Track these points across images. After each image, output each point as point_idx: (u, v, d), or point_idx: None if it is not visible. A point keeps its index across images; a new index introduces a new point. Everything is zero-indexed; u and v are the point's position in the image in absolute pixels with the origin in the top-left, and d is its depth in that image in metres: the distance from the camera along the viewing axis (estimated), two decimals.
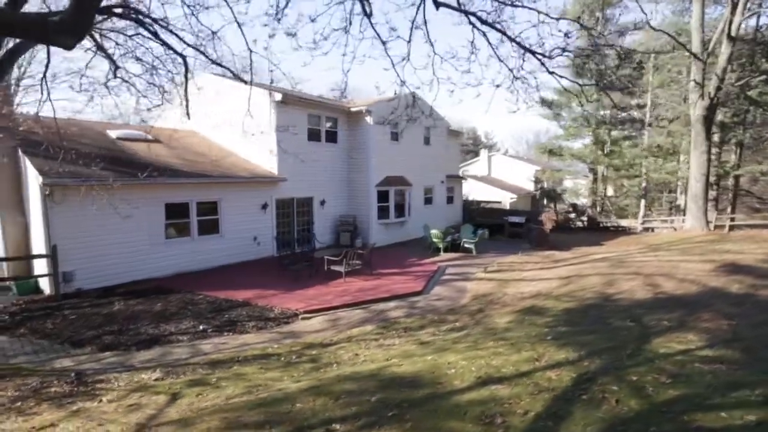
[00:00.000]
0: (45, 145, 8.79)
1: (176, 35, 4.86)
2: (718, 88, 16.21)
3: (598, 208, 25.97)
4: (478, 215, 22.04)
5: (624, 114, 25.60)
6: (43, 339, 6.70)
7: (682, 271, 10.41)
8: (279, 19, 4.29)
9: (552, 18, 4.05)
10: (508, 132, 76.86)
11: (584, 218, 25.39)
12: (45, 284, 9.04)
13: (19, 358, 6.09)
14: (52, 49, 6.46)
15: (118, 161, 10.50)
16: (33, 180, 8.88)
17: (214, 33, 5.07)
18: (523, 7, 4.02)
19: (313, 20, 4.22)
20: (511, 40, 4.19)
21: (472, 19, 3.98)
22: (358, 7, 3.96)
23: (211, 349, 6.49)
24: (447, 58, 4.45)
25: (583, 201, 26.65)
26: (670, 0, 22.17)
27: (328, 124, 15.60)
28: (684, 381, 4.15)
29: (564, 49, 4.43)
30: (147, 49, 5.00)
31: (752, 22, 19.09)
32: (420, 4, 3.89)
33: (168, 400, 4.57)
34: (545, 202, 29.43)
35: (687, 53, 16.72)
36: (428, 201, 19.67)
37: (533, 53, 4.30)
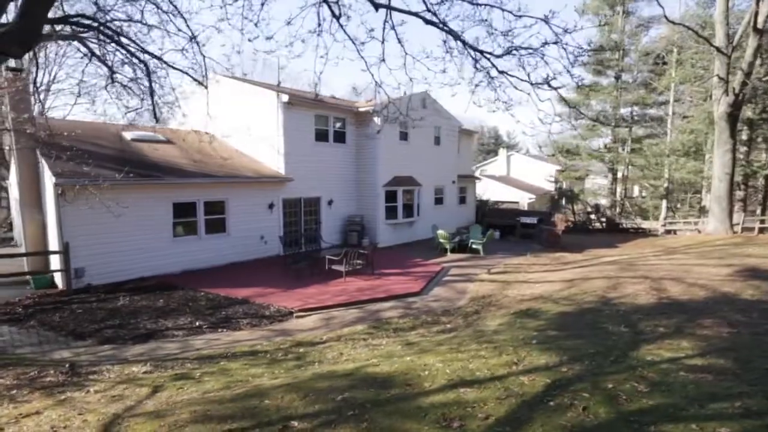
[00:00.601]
0: (60, 146, 9.28)
1: (135, 43, 5.02)
2: (744, 84, 15.40)
3: (618, 209, 25.11)
4: (491, 216, 21.72)
5: (648, 111, 24.68)
6: (49, 331, 7.05)
7: (694, 275, 9.97)
8: (256, 24, 4.38)
9: (514, 13, 3.93)
10: (534, 130, 75.55)
11: (603, 219, 24.62)
12: (59, 279, 9.51)
13: (24, 348, 6.43)
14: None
15: (130, 162, 10.91)
16: (48, 180, 9.36)
17: (193, 37, 5.22)
18: (473, 3, 3.92)
19: (288, 23, 4.28)
20: (456, 38, 4.11)
21: (422, 19, 3.95)
22: (328, 11, 3.98)
23: (203, 345, 6.67)
24: (420, 58, 4.43)
25: (603, 202, 25.85)
26: None
27: (338, 125, 15.73)
28: (663, 390, 4.00)
29: (516, 48, 4.30)
30: (125, 54, 5.21)
31: None
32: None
33: (149, 393, 4.73)
34: (563, 202, 28.72)
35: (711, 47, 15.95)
36: (439, 201, 19.54)
37: (482, 52, 4.21)
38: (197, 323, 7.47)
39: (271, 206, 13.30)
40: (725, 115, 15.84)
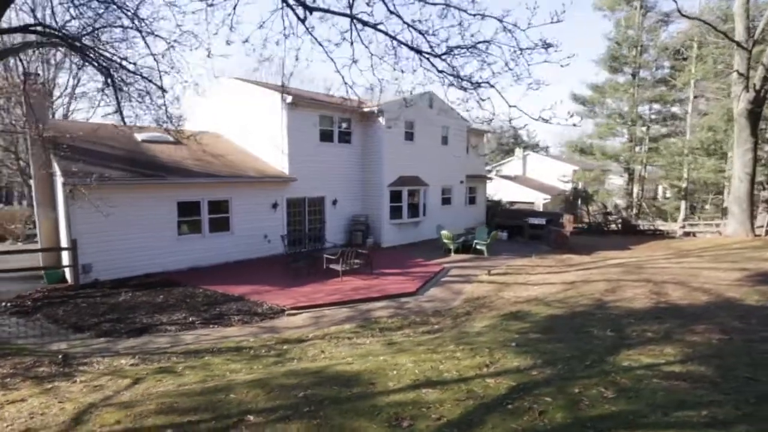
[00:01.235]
0: (73, 148, 9.72)
1: (94, 50, 5.21)
2: (765, 79, 14.66)
3: (635, 210, 24.32)
4: (499, 216, 21.44)
5: (667, 108, 23.81)
6: (52, 324, 7.41)
7: (702, 279, 9.60)
8: (232, 28, 4.50)
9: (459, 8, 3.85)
10: (553, 130, 74.07)
11: (618, 221, 23.90)
12: (69, 275, 9.95)
13: (26, 339, 6.78)
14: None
15: (138, 162, 11.32)
16: (58, 179, 9.81)
17: (170, 44, 5.40)
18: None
19: (261, 26, 4.38)
20: (392, 38, 4.10)
21: (359, 21, 3.95)
22: (300, 12, 4.05)
23: (193, 340, 6.87)
24: (388, 59, 4.44)
25: (618, 202, 25.08)
26: None
27: (344, 125, 15.86)
28: (630, 396, 3.90)
29: (452, 48, 4.24)
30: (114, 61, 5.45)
31: None
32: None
33: (129, 384, 4.93)
34: (579, 203, 28.04)
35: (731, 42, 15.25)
36: (446, 201, 19.42)
37: (420, 53, 4.17)
38: (190, 319, 7.70)
39: (274, 206, 13.53)
40: (745, 112, 15.13)
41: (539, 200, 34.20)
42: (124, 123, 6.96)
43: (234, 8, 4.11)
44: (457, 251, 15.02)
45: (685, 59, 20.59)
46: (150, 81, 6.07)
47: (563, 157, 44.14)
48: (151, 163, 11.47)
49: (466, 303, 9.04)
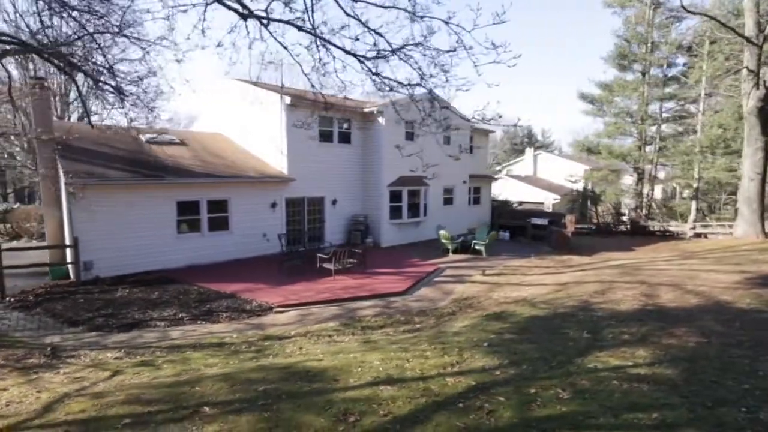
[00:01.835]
0: (78, 149, 10.09)
1: (59, 56, 5.42)
2: None
3: (644, 211, 23.78)
4: (503, 216, 21.27)
5: (679, 106, 23.19)
6: (50, 318, 7.73)
7: (698, 281, 9.39)
8: (203, 31, 4.65)
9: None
10: (569, 129, 72.93)
11: (627, 221, 23.44)
12: (71, 271, 10.34)
13: (24, 332, 7.10)
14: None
15: (140, 163, 11.67)
16: (62, 179, 10.20)
17: (145, 50, 5.62)
18: None
19: (230, 31, 4.52)
20: (319, 37, 4.15)
21: (294, 26, 4.03)
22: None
23: (179, 335, 7.08)
24: (345, 60, 4.51)
25: (628, 203, 24.56)
26: None
27: (344, 125, 15.99)
28: (585, 398, 3.91)
29: (381, 50, 4.29)
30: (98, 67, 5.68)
31: None
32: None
33: (108, 377, 5.14)
34: (588, 204, 27.57)
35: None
36: (448, 201, 19.38)
37: (347, 52, 4.23)
38: (180, 315, 7.93)
39: (273, 205, 13.75)
40: (755, 110, 14.65)
41: (549, 200, 33.74)
42: (92, 126, 7.20)
43: (204, 12, 4.26)
44: (455, 251, 14.99)
45: (695, 56, 20.02)
46: (106, 83, 6.26)
47: (576, 156, 43.48)
48: (153, 164, 11.80)
49: (453, 303, 9.06)
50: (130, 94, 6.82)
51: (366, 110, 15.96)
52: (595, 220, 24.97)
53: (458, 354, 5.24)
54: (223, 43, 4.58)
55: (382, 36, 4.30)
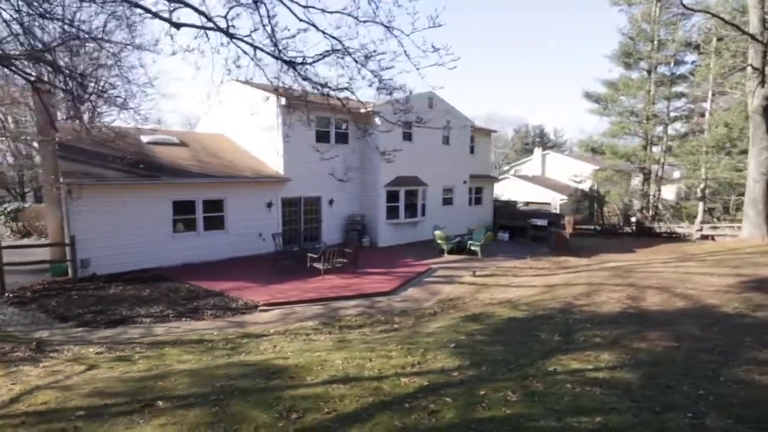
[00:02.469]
0: (78, 149, 10.41)
1: (21, 62, 5.61)
2: None
3: (651, 212, 23.30)
4: (503, 217, 21.14)
5: (687, 105, 22.66)
6: (43, 313, 8.02)
7: (689, 284, 9.22)
8: (172, 36, 4.80)
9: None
10: (581, 128, 71.88)
11: (633, 223, 23.03)
12: (69, 269, 10.68)
13: (16, 327, 7.38)
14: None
15: (140, 163, 11.96)
16: (61, 179, 10.53)
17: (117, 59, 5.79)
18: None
19: (196, 37, 4.65)
20: (256, 48, 4.23)
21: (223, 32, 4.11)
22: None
23: (162, 332, 7.28)
24: (297, 62, 4.57)
25: (635, 204, 24.11)
26: None
27: (343, 126, 16.10)
28: (533, 400, 3.93)
29: (327, 53, 4.34)
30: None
31: None
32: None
33: (83, 370, 5.32)
34: (595, 205, 27.15)
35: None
36: (448, 202, 19.33)
37: (280, 58, 4.31)
38: (167, 312, 8.14)
39: (269, 205, 13.95)
40: (761, 108, 14.25)
41: (556, 201, 33.30)
42: (56, 130, 7.42)
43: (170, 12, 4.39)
44: (451, 252, 14.98)
45: (703, 53, 19.52)
46: (57, 87, 6.41)
47: (585, 156, 42.84)
48: (150, 164, 12.09)
49: (437, 304, 9.08)
50: (116, 97, 7.03)
51: (362, 111, 16.02)
52: (600, 221, 24.58)
53: (422, 355, 5.29)
54: (192, 47, 4.70)
55: (338, 40, 4.40)
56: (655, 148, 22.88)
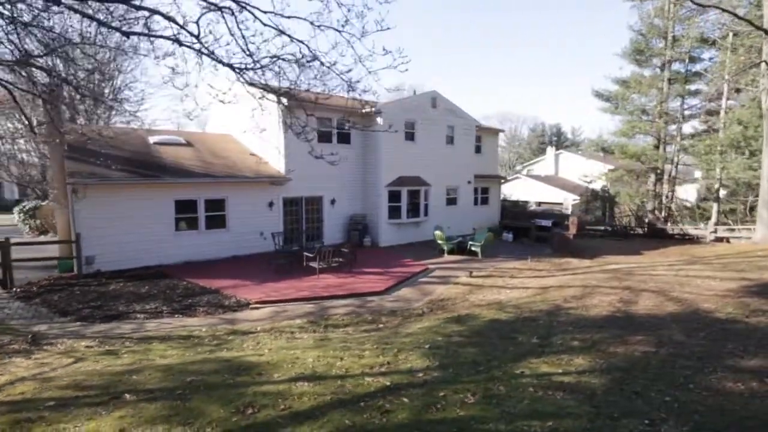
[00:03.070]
0: (86, 150, 10.81)
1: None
2: None
3: (663, 213, 22.66)
4: (508, 217, 20.93)
5: (702, 103, 21.93)
6: (45, 308, 8.37)
7: (688, 288, 8.98)
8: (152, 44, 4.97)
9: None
10: (600, 127, 70.50)
11: (645, 224, 22.46)
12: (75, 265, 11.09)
13: (18, 321, 7.73)
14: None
15: (144, 163, 12.33)
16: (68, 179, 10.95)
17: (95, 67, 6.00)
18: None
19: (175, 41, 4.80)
20: (201, 52, 4.30)
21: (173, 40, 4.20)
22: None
23: (154, 328, 7.51)
24: (239, 67, 4.66)
25: (648, 205, 23.48)
26: None
27: (346, 125, 16.20)
28: (490, 403, 3.95)
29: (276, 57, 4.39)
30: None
31: None
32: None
33: (69, 363, 5.55)
34: (606, 205, 26.56)
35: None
36: (451, 202, 19.23)
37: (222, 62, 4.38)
38: (161, 308, 8.39)
39: (270, 204, 14.17)
40: None
41: (569, 201, 32.73)
42: (36, 134, 7.70)
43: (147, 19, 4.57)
44: (451, 252, 14.92)
45: (719, 49, 18.84)
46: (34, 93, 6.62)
47: (599, 156, 41.96)
48: (154, 164, 12.44)
49: (427, 304, 9.09)
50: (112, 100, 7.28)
51: (364, 111, 16.09)
52: (610, 222, 24.04)
53: (394, 355, 5.33)
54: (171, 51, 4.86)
55: (304, 43, 4.50)
56: (668, 148, 22.22)
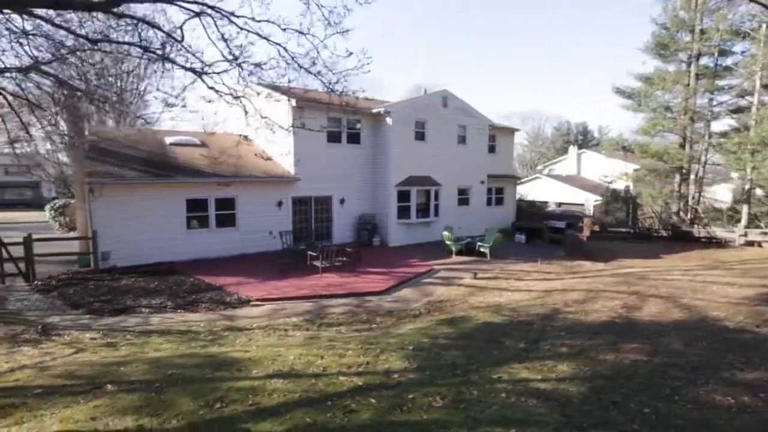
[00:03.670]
0: (105, 150, 11.33)
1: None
2: None
3: (690, 215, 21.62)
4: (522, 218, 20.51)
5: (734, 99, 20.77)
6: (60, 300, 8.83)
7: (701, 294, 8.58)
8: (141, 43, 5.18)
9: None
10: (630, 125, 68.09)
11: (669, 226, 21.52)
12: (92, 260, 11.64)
13: (34, 312, 8.18)
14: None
15: (158, 163, 12.80)
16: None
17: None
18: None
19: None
20: (167, 59, 4.36)
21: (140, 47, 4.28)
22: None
23: (157, 322, 7.79)
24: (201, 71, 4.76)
25: (673, 207, 22.46)
26: None
27: (357, 125, 16.30)
28: (458, 408, 3.92)
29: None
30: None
31: None
32: None
33: (71, 353, 5.85)
34: (629, 206, 25.58)
35: None
36: (463, 202, 19.01)
37: (183, 67, 4.41)
38: (166, 303, 8.69)
39: (279, 204, 14.42)
40: None
41: (590, 202, 31.77)
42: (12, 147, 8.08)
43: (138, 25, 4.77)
44: (459, 253, 14.77)
45: (754, 41, 17.77)
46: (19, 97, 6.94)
47: (624, 155, 40.45)
48: (168, 164, 12.90)
49: (425, 305, 9.04)
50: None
51: (374, 111, 16.15)
52: (633, 224, 23.17)
53: (375, 355, 5.33)
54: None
55: (283, 47, 4.57)
56: (695, 146, 21.19)
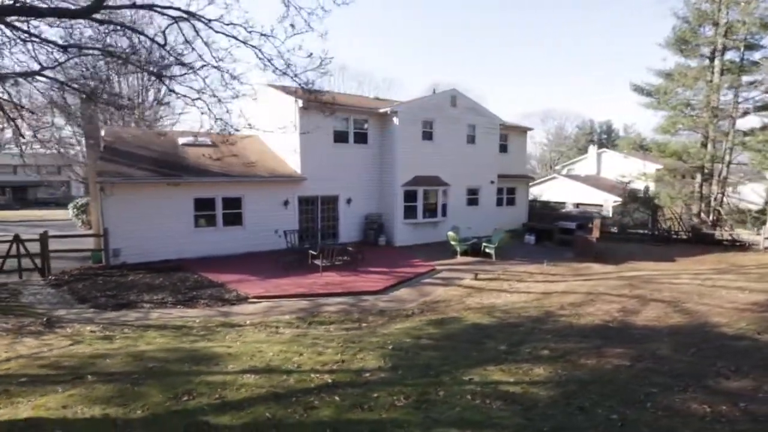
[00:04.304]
0: (118, 151, 11.80)
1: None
2: None
3: (712, 217, 20.69)
4: (532, 219, 20.13)
5: (760, 95, 19.75)
6: (69, 295, 9.25)
7: (707, 299, 8.24)
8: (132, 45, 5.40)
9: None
10: (653, 123, 65.73)
11: (689, 229, 20.66)
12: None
13: (44, 305, 8.60)
14: None
15: (168, 163, 13.22)
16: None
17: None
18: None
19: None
20: (139, 65, 4.44)
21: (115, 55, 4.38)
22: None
23: (156, 317, 8.06)
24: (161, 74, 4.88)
25: (694, 208, 21.54)
26: None
27: (364, 125, 16.39)
28: (419, 408, 3.95)
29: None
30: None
31: None
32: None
33: (67, 345, 6.13)
34: (649, 207, 24.71)
35: None
36: (473, 202, 18.82)
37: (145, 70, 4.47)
38: (167, 299, 8.97)
39: (286, 203, 14.64)
40: None
41: (609, 202, 30.90)
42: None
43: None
44: (465, 253, 14.63)
45: None
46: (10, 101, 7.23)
47: (646, 155, 39.08)
48: (178, 164, 13.30)
49: (420, 305, 9.01)
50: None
51: (381, 111, 16.19)
52: (652, 225, 22.34)
53: (353, 354, 5.38)
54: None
55: (259, 49, 4.68)
56: (718, 145, 20.26)
